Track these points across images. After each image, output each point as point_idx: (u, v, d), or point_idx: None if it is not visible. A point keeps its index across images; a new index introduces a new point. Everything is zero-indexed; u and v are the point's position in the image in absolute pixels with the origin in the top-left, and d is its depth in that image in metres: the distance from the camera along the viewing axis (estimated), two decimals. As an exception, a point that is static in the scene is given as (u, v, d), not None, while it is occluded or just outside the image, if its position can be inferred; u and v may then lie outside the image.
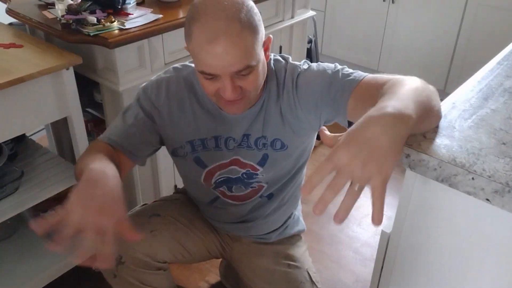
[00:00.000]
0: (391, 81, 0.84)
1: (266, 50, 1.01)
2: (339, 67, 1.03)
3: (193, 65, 1.11)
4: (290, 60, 1.10)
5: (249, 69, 0.94)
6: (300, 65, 1.08)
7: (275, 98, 1.07)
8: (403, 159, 0.76)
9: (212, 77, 0.94)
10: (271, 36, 1.02)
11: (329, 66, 1.04)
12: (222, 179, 1.20)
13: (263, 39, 0.98)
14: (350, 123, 1.03)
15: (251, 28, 0.92)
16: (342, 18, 3.06)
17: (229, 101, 0.98)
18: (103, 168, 0.85)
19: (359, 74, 0.99)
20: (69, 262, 1.61)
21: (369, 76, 0.98)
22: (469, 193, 0.68)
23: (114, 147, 1.06)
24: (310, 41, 2.47)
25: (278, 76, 1.08)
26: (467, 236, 0.77)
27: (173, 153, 1.18)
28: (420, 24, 2.75)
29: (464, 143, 0.73)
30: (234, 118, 1.09)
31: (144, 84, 1.14)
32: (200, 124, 1.12)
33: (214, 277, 1.75)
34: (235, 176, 1.19)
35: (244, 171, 1.17)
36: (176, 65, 1.16)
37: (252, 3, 0.95)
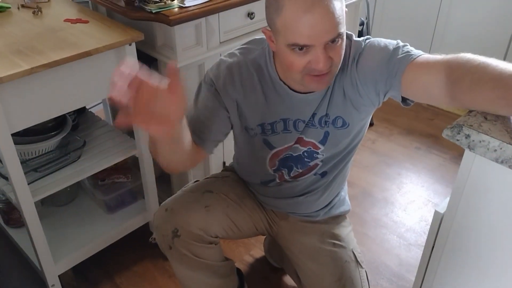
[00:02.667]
0: (468, 61, 0.96)
1: None
2: (401, 44, 1.03)
3: (255, 47, 1.13)
4: (354, 37, 1.09)
5: (339, 37, 0.96)
6: (363, 42, 1.08)
7: (339, 76, 1.08)
8: (462, 139, 0.77)
9: (304, 49, 0.95)
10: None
11: (391, 42, 1.04)
12: (284, 156, 1.22)
13: None
14: (403, 99, 1.04)
15: None
16: (394, 0, 2.99)
17: (317, 76, 1.00)
18: None
19: (417, 52, 1.00)
20: (124, 228, 1.69)
21: (425, 54, 1.00)
22: (530, 175, 0.69)
23: None
24: (362, 23, 2.43)
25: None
26: (524, 219, 0.77)
27: (245, 130, 1.19)
28: (476, 8, 2.66)
29: (527, 126, 0.73)
30: (305, 98, 1.10)
31: (213, 70, 1.15)
32: (270, 107, 1.13)
33: (258, 252, 1.81)
34: (296, 154, 1.21)
35: (305, 149, 1.19)
36: (237, 49, 1.17)
37: None
